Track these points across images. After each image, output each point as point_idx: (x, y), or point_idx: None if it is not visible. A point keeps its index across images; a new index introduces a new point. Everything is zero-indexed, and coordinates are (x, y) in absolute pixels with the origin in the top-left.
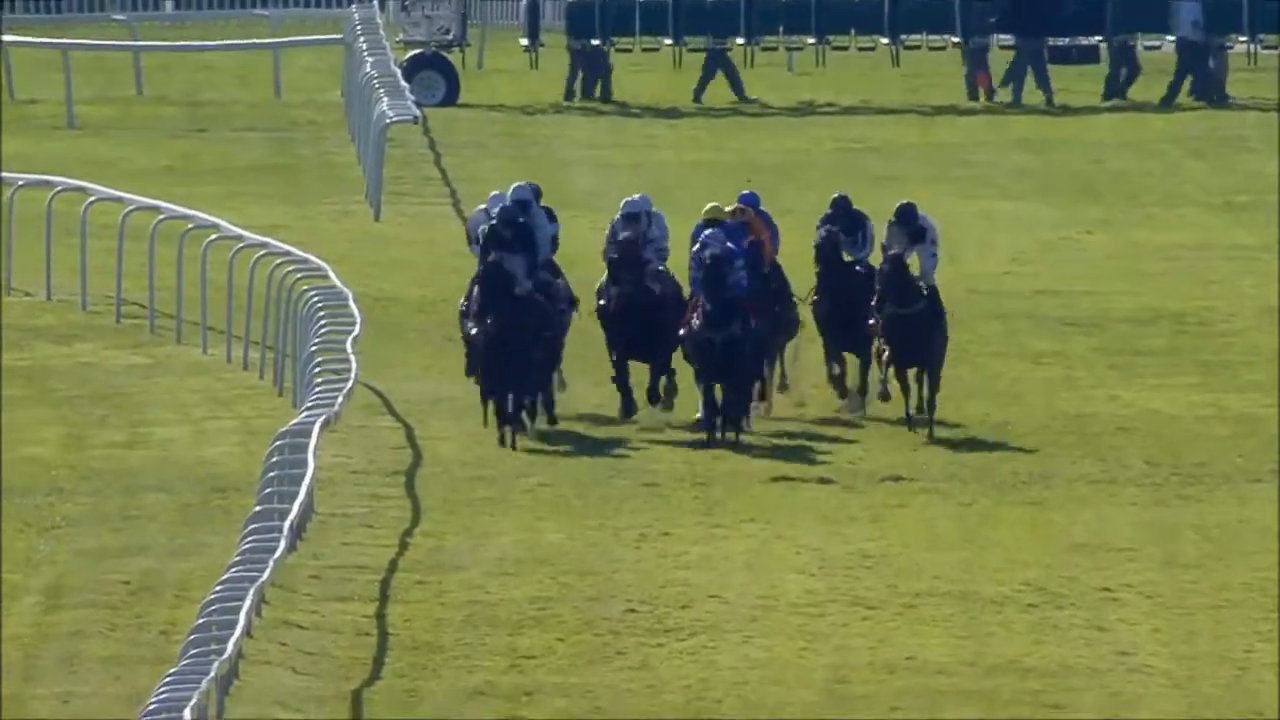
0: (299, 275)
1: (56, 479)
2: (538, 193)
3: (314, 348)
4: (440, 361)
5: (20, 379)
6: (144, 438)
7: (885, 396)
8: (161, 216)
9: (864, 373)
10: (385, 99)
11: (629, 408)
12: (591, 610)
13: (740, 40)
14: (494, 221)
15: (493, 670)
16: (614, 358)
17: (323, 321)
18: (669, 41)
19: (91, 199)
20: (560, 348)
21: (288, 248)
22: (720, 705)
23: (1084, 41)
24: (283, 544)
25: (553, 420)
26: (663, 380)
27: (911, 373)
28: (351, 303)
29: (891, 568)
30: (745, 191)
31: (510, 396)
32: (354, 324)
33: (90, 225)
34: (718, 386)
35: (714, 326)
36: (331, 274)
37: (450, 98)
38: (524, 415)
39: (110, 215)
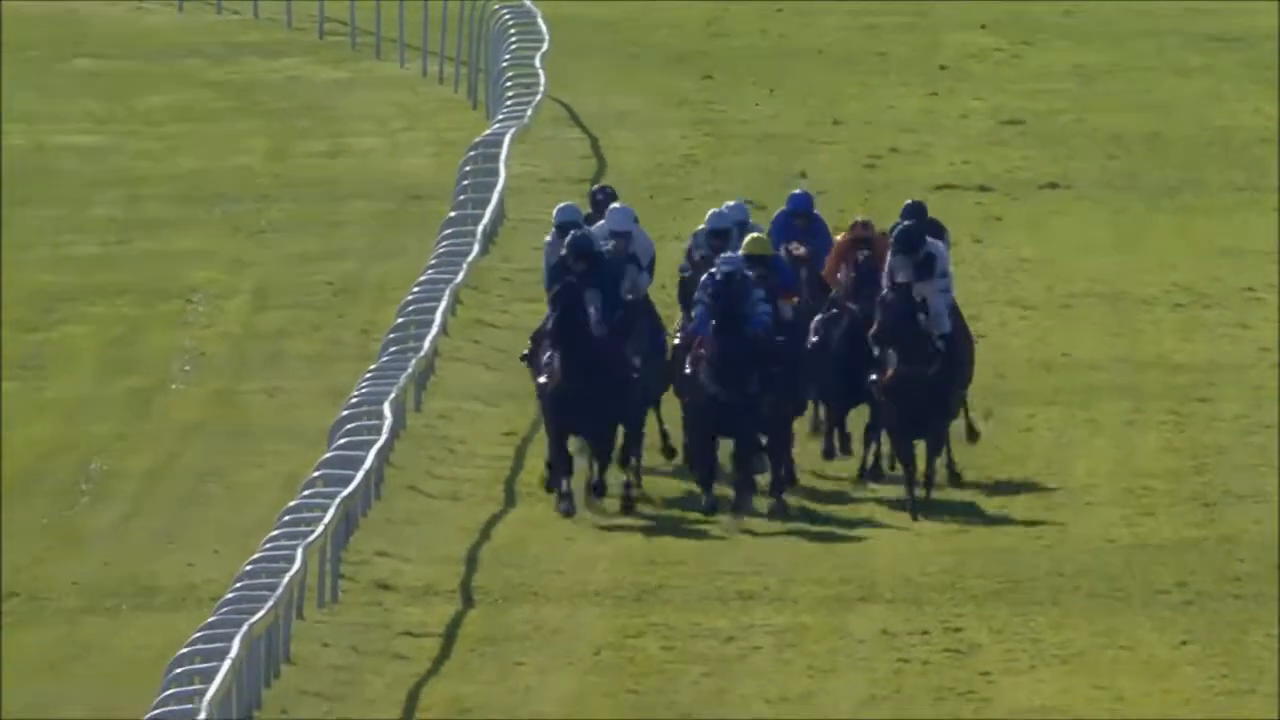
0: None
1: (262, 186)
2: (611, 195)
3: (505, 63)
4: (623, 78)
5: (229, 92)
6: (345, 148)
7: (873, 475)
8: None
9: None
10: None
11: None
12: None
13: None
14: (563, 253)
15: None
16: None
17: (513, 38)
18: None
19: None
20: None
21: None
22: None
23: None
24: (476, 248)
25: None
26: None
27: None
28: (540, 20)
29: (1048, 270)
30: (798, 191)
31: (582, 451)
32: (542, 40)
33: None
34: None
35: (723, 381)
36: None
37: None
38: (601, 477)
39: None
